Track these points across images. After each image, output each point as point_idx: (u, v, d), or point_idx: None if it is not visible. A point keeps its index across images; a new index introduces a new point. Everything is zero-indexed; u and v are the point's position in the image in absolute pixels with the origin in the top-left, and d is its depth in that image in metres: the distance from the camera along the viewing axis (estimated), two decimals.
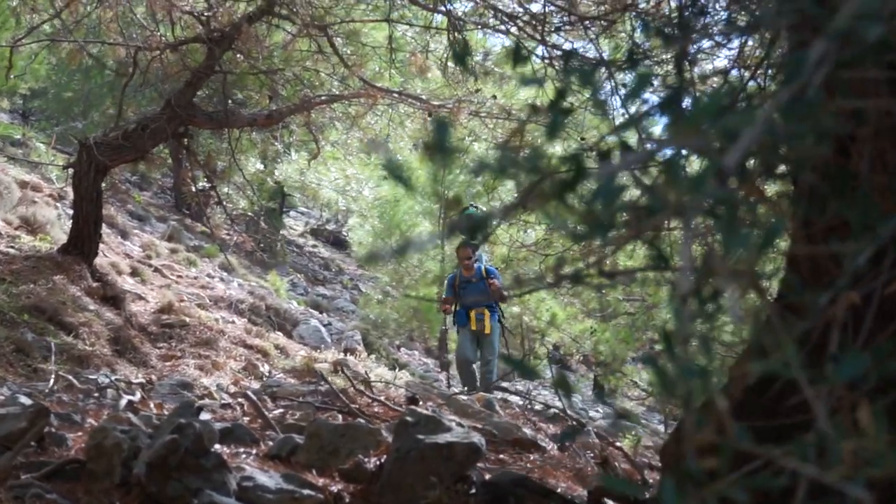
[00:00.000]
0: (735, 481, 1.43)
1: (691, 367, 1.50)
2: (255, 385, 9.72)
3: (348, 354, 14.00)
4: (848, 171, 2.31)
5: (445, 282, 12.96)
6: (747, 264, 1.42)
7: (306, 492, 5.04)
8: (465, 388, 11.55)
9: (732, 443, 1.42)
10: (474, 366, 12.18)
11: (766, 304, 1.71)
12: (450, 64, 12.25)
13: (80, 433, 5.74)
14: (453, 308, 12.58)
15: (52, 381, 7.59)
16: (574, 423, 8.80)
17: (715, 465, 1.44)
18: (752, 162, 1.93)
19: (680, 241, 1.47)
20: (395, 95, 13.51)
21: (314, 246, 31.07)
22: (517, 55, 1.90)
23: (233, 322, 13.88)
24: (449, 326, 15.35)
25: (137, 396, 7.31)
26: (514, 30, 9.93)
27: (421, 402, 8.91)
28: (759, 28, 2.05)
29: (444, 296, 12.79)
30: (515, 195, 1.38)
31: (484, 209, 12.35)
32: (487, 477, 5.41)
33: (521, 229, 14.88)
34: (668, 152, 1.59)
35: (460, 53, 2.05)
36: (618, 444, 8.11)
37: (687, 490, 1.45)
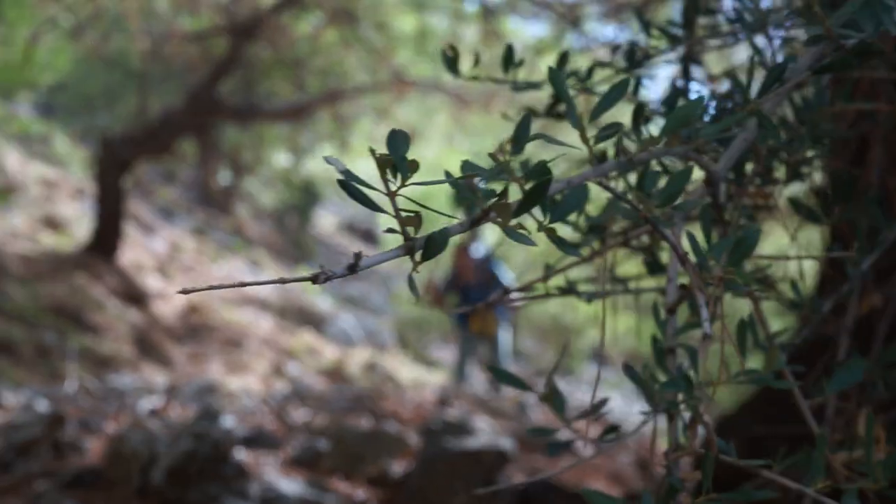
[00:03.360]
0: (717, 496, 1.44)
1: (675, 379, 1.54)
2: (283, 386, 9.49)
3: (380, 353, 13.77)
4: (856, 174, 2.32)
5: (444, 282, 11.64)
6: (725, 272, 1.40)
7: (329, 500, 5.01)
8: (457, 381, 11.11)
9: (715, 455, 1.44)
10: (466, 369, 11.45)
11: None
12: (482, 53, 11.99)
13: (99, 439, 5.70)
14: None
15: (72, 385, 7.53)
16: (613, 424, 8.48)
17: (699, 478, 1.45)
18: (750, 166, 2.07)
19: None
20: (425, 87, 13.28)
21: (344, 241, 30.92)
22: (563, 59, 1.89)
23: (261, 320, 13.64)
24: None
25: (160, 401, 7.11)
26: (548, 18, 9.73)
27: (452, 403, 8.72)
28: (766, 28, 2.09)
29: (439, 290, 11.51)
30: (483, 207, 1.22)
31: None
32: (517, 482, 5.30)
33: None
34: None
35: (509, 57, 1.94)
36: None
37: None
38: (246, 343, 11.68)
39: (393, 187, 1.13)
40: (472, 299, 11.09)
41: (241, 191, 21.65)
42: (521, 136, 1.28)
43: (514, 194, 1.22)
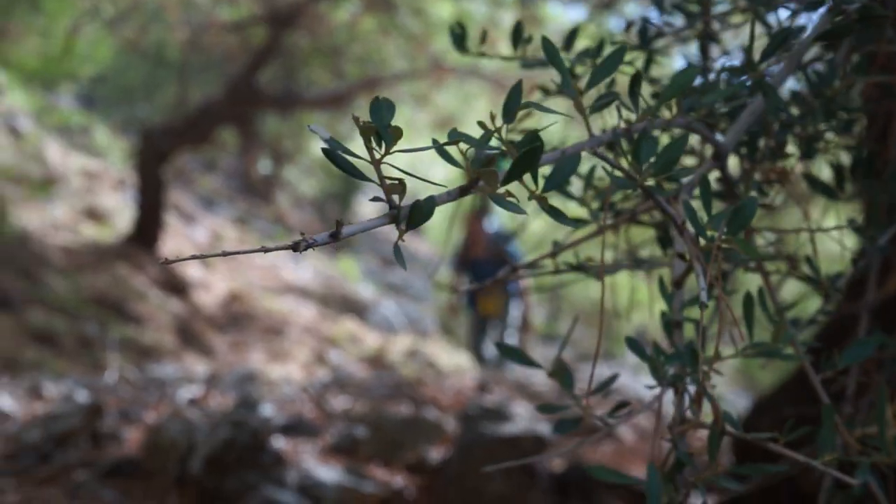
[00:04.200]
0: (725, 469, 1.46)
1: (679, 353, 1.57)
2: (324, 373, 9.49)
3: (422, 340, 13.73)
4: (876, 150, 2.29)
5: (453, 257, 11.15)
6: (724, 242, 1.36)
7: (368, 487, 4.97)
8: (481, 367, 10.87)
9: (721, 429, 1.44)
10: (483, 351, 11.06)
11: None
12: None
13: (138, 429, 5.71)
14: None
15: (113, 375, 7.56)
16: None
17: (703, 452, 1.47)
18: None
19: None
20: (464, 73, 13.22)
21: (386, 228, 30.67)
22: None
23: (302, 308, 13.65)
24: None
25: (200, 390, 7.12)
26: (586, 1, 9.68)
27: (492, 389, 8.67)
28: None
29: (453, 267, 11.09)
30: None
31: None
32: (554, 467, 5.37)
33: None
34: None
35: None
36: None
37: (675, 477, 1.49)
38: (287, 331, 11.69)
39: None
40: (483, 277, 10.48)
41: (282, 179, 21.67)
42: (511, 106, 1.25)
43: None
